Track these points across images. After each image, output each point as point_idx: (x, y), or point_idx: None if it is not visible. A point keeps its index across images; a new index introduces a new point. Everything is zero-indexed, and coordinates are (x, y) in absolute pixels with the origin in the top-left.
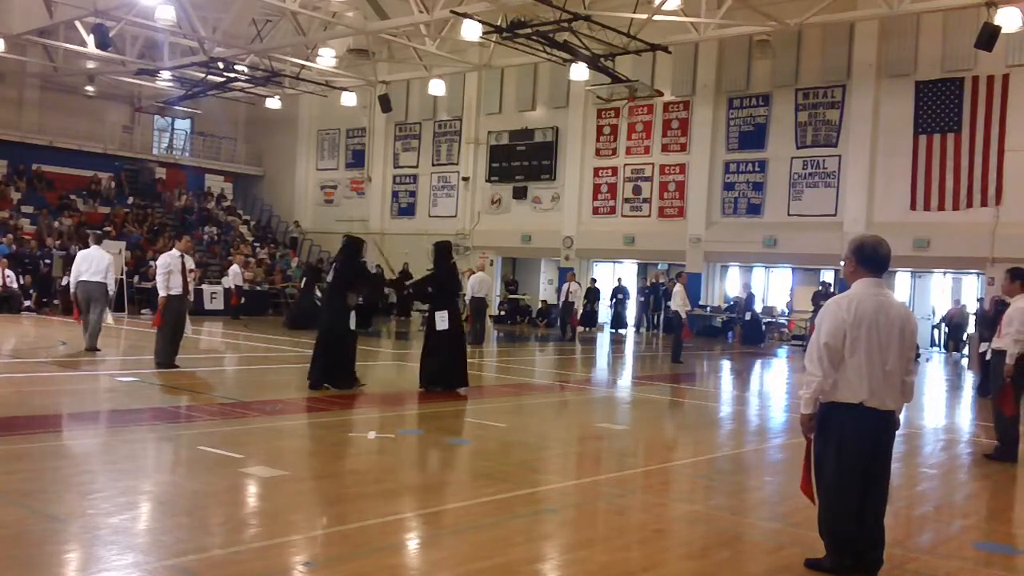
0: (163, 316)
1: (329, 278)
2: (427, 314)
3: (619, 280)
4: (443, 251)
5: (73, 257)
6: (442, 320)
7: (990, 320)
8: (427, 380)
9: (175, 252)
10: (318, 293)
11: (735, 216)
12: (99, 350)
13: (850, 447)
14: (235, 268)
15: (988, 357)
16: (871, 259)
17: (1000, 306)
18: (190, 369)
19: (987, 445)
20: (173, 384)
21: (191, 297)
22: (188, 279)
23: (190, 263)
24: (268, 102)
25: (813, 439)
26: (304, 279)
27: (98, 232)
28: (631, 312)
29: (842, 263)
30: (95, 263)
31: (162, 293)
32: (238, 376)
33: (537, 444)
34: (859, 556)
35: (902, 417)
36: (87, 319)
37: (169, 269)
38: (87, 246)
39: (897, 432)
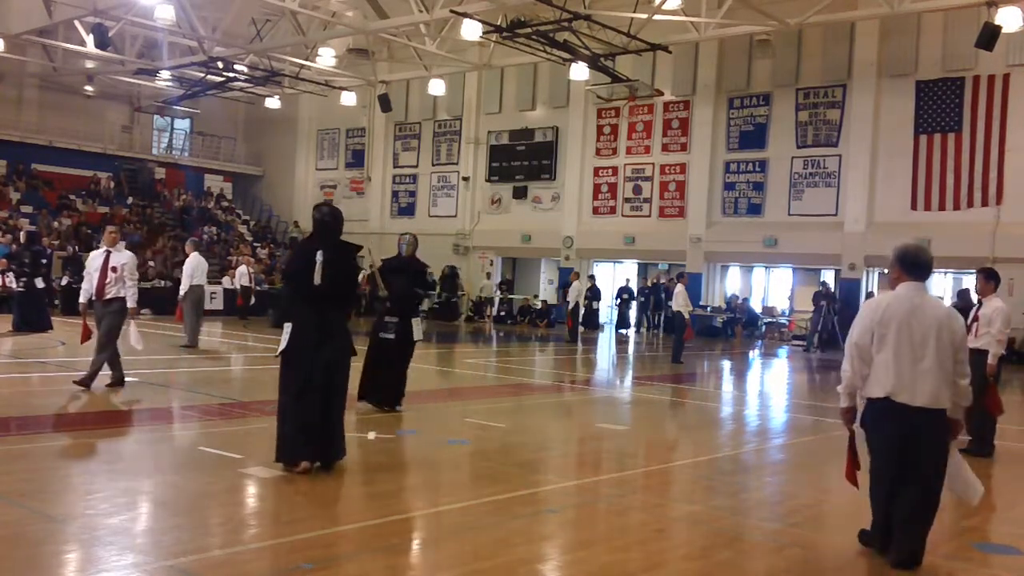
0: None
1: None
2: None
3: (627, 280)
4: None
5: (73, 257)
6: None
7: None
8: (372, 395)
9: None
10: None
11: (735, 216)
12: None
13: (879, 439)
14: (243, 269)
15: None
16: (913, 265)
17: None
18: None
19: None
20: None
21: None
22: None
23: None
24: (267, 102)
25: (855, 431)
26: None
27: (196, 240)
28: (631, 312)
29: (886, 271)
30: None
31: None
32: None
33: (537, 444)
34: (886, 546)
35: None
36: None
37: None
38: (88, 246)
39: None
